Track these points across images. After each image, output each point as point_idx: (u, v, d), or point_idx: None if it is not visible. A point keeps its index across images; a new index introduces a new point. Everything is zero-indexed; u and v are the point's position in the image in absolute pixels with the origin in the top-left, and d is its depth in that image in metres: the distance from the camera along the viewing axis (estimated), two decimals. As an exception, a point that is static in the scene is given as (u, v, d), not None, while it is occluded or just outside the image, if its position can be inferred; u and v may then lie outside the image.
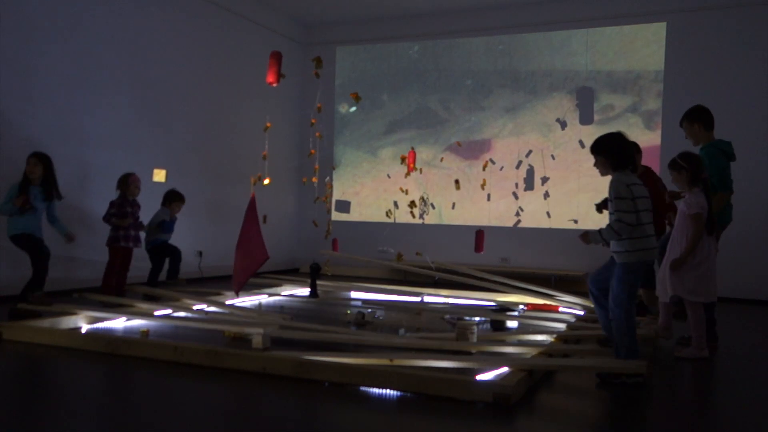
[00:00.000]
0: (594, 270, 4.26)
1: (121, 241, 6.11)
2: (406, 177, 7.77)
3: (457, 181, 7.91)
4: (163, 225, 6.74)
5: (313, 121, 6.80)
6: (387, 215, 8.30)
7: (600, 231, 3.74)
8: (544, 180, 8.91)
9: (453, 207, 9.22)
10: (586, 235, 3.85)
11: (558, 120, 8.89)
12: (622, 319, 3.69)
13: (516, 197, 9.03)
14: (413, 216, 7.86)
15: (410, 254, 8.52)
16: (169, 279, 6.73)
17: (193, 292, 6.29)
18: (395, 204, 8.12)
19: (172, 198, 6.85)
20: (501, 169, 9.00)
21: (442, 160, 9.27)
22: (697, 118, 4.97)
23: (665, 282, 4.41)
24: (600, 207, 4.78)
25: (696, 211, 4.28)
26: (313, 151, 6.93)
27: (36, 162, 5.61)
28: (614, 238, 3.70)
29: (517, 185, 9.04)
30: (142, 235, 6.45)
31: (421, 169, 7.81)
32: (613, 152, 3.75)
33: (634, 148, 4.40)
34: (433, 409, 3.08)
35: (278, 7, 9.56)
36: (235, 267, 5.20)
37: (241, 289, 5.27)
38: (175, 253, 6.73)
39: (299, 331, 4.46)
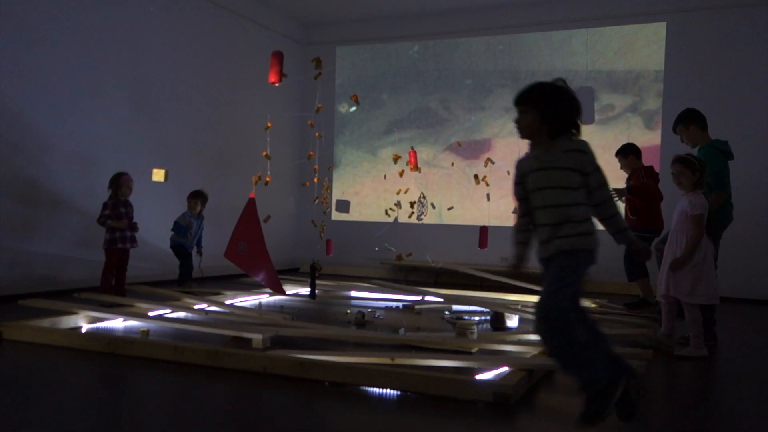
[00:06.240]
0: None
1: (118, 243, 6.02)
2: (401, 176, 7.77)
3: (476, 176, 7.88)
4: (175, 227, 6.75)
5: (310, 123, 6.80)
6: (386, 214, 8.30)
7: (626, 229, 2.80)
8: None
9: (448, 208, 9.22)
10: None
11: None
12: (570, 321, 2.55)
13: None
14: (412, 214, 7.86)
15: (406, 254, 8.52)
16: (179, 283, 6.80)
17: (192, 291, 6.29)
18: (398, 204, 8.13)
19: (190, 195, 6.87)
20: (494, 164, 8.93)
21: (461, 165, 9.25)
22: (692, 121, 4.98)
23: (662, 281, 4.41)
24: (621, 193, 4.65)
25: (699, 212, 4.27)
26: (312, 153, 6.92)
27: None
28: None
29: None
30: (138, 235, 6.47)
31: (420, 169, 7.83)
32: (554, 107, 2.75)
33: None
34: (433, 409, 3.08)
35: (278, 7, 9.55)
36: (253, 268, 5.32)
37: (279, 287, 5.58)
38: (186, 260, 6.77)
39: (299, 330, 4.46)
